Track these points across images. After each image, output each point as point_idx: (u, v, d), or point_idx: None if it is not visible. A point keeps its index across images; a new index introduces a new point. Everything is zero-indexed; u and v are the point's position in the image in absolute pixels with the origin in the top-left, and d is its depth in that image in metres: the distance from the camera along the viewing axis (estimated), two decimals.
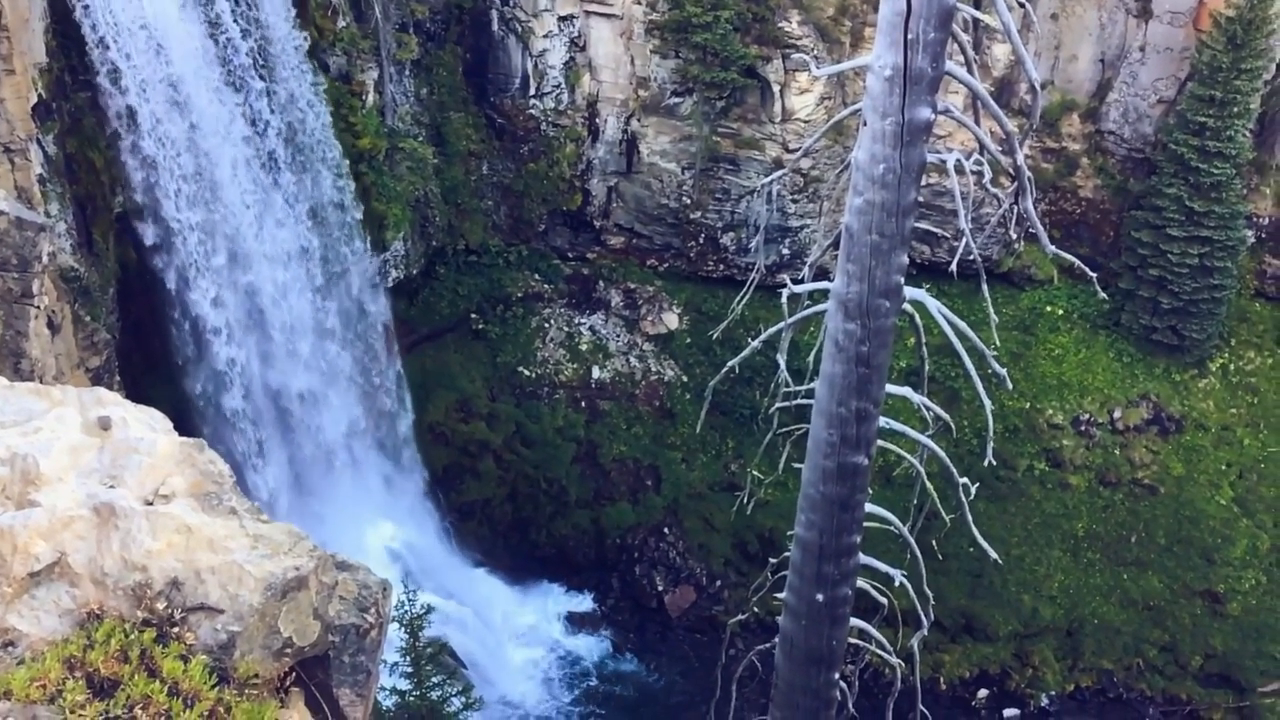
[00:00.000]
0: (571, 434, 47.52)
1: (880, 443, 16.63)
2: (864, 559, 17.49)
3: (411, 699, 32.16)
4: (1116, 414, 47.15)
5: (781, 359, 17.81)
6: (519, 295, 49.33)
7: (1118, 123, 47.01)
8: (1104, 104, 47.20)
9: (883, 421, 16.12)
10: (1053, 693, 44.16)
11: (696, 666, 42.69)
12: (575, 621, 45.46)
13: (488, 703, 38.20)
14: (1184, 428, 46.96)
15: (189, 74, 32.78)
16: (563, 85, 47.13)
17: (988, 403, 16.66)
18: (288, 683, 8.97)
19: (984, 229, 41.30)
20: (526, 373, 48.29)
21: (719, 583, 45.80)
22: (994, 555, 19.01)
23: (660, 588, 45.83)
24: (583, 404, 48.26)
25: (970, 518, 17.32)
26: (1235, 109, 42.91)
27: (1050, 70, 47.05)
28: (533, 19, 45.67)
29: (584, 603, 46.05)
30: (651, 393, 48.69)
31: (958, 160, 14.64)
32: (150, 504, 8.96)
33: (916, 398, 17.03)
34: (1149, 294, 46.20)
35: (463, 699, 33.85)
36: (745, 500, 22.77)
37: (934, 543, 29.28)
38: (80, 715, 7.66)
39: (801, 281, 16.53)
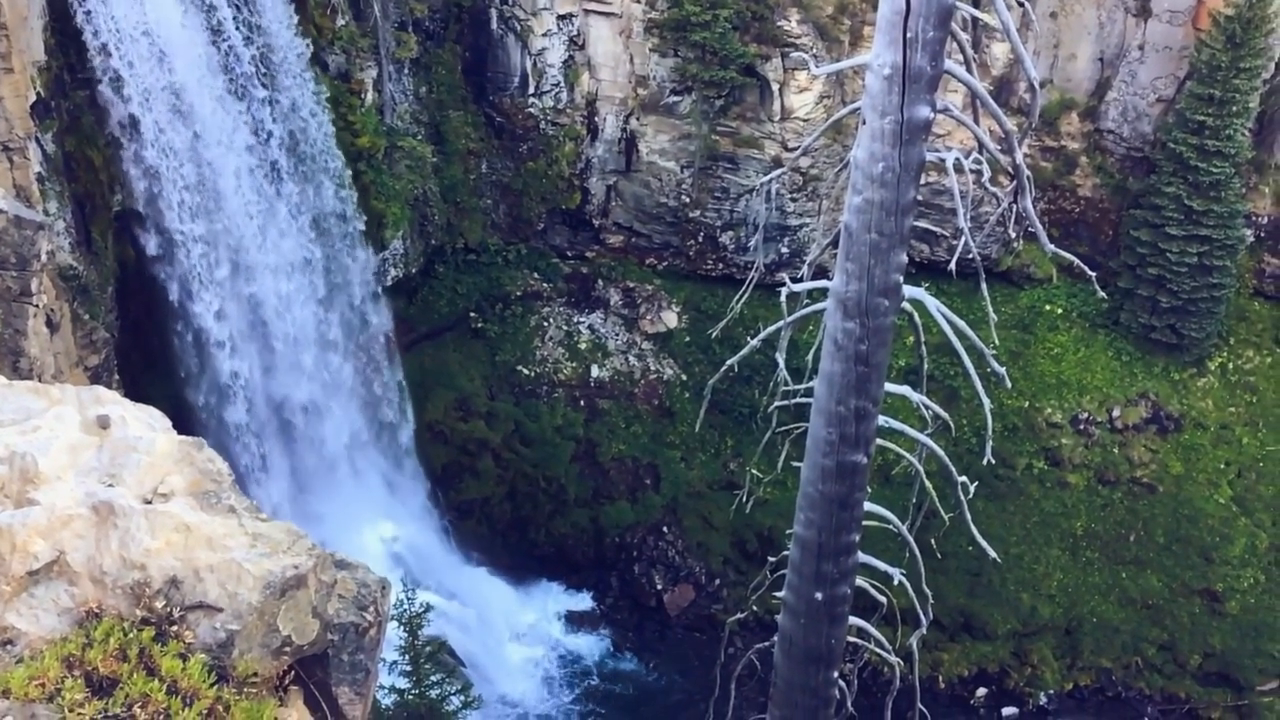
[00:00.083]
0: (570, 433, 47.52)
1: (879, 441, 16.64)
2: (863, 557, 17.49)
3: (410, 697, 32.17)
4: (1115, 413, 47.17)
5: (780, 357, 17.81)
6: (518, 294, 49.32)
7: (1117, 121, 47.02)
8: (1103, 103, 47.20)
9: (882, 420, 16.13)
10: (1051, 691, 44.18)
11: (695, 665, 42.69)
12: (574, 620, 45.47)
13: (486, 701, 38.21)
14: (1183, 427, 46.99)
15: (192, 82, 32.59)
16: (562, 84, 47.11)
17: (986, 401, 16.66)
18: (286, 681, 8.97)
19: (983, 228, 41.32)
20: (525, 371, 48.29)
21: (718, 581, 45.81)
22: (993, 554, 19.02)
23: (659, 586, 45.84)
24: (582, 403, 48.26)
25: (969, 516, 17.33)
26: (1234, 108, 42.91)
27: (1049, 69, 47.06)
28: (532, 17, 45.65)
29: (583, 601, 46.06)
30: (650, 391, 48.69)
31: (957, 159, 14.64)
32: (149, 502, 8.96)
33: (915, 396, 17.03)
34: (1148, 293, 46.21)
35: (461, 697, 33.86)
36: (744, 499, 22.78)
37: (933, 541, 29.30)
38: (79, 714, 7.66)
39: (800, 280, 16.53)
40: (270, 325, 37.91)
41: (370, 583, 9.55)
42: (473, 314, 48.62)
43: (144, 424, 9.71)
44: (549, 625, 45.13)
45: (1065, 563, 45.50)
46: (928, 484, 17.79)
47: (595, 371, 48.62)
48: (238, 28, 33.95)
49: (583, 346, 49.02)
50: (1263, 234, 47.25)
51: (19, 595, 8.29)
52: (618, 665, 44.39)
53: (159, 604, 8.45)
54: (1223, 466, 46.62)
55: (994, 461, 19.57)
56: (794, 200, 47.99)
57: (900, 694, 20.20)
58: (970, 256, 15.03)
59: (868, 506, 17.08)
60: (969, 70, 13.87)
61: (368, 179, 41.02)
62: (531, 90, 47.18)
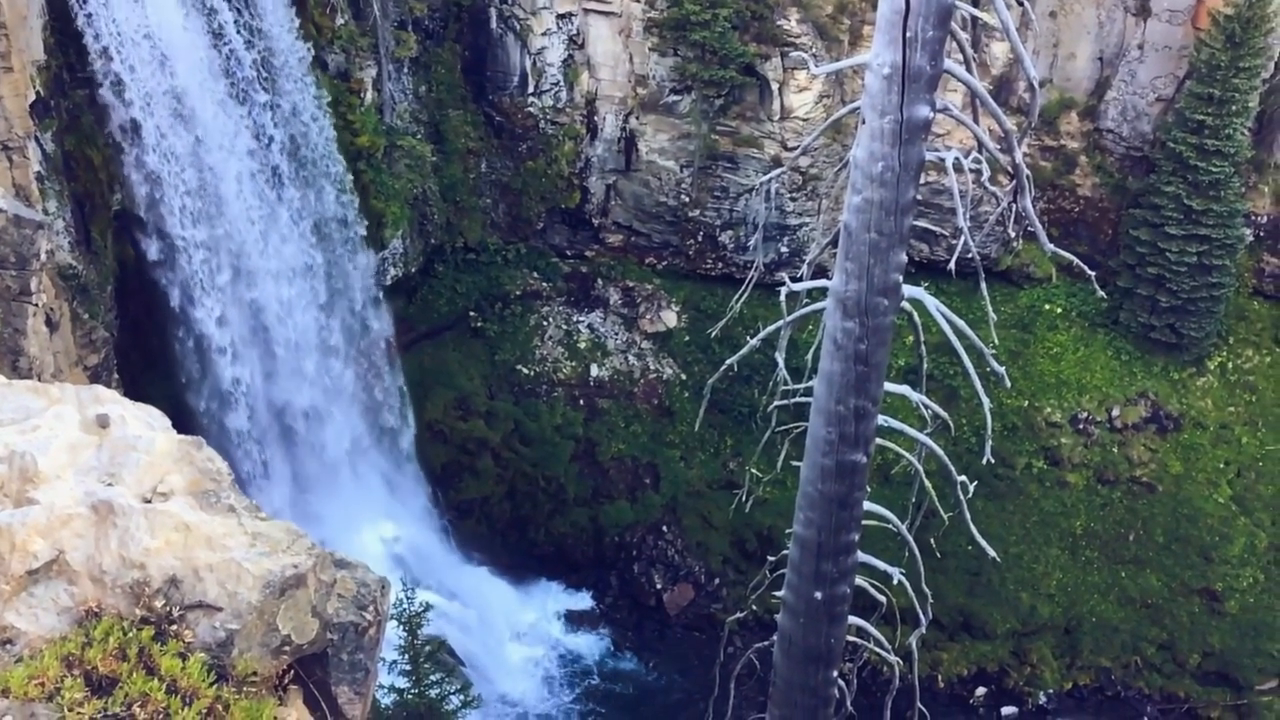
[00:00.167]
0: (570, 432, 47.52)
1: (879, 441, 16.64)
2: (862, 557, 17.49)
3: (410, 697, 32.15)
4: (1115, 412, 47.18)
5: (780, 357, 17.81)
6: (517, 293, 49.31)
7: (1116, 121, 47.02)
8: (1102, 102, 47.21)
9: (881, 419, 16.12)
10: (1051, 691, 44.20)
11: (695, 664, 42.69)
12: (574, 619, 45.47)
13: (486, 701, 38.21)
14: (1182, 426, 46.99)
15: (194, 86, 32.48)
16: (561, 83, 47.11)
17: (986, 401, 16.66)
18: (286, 680, 8.97)
19: (982, 227, 41.34)
20: (525, 371, 48.28)
21: (717, 581, 45.81)
22: (992, 553, 19.02)
23: (659, 586, 45.84)
24: (581, 402, 48.25)
25: (969, 516, 17.33)
26: (1234, 107, 42.91)
27: (1049, 68, 47.06)
28: (531, 17, 45.64)
29: (583, 601, 46.06)
30: (650, 391, 48.69)
31: (956, 158, 14.64)
32: (148, 502, 8.95)
33: (915, 396, 17.03)
34: (1147, 292, 46.22)
35: (461, 697, 33.84)
36: (744, 498, 22.79)
37: (932, 541, 29.33)
38: (78, 713, 7.66)
39: (800, 279, 16.53)
40: (272, 331, 37.86)
41: (370, 582, 9.55)
42: (472, 313, 48.61)
43: (143, 423, 9.71)
44: (549, 625, 45.12)
45: (1065, 562, 45.51)
46: (927, 483, 17.79)
47: (595, 371, 48.62)
48: (239, 31, 33.82)
49: (582, 346, 49.02)
50: (1262, 233, 47.25)
51: (18, 594, 8.29)
52: (617, 664, 44.39)
53: (158, 603, 8.45)
54: (1222, 466, 46.63)
55: (993, 461, 19.54)
56: (793, 199, 48.00)
57: (900, 693, 20.20)
58: (970, 256, 15.03)
59: (867, 506, 17.08)
60: (968, 69, 13.87)
61: (367, 178, 41.02)
62: (531, 89, 47.18)
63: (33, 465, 8.86)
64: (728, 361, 18.93)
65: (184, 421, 34.59)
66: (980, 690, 44.12)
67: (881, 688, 26.61)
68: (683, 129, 46.93)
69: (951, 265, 15.37)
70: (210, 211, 33.97)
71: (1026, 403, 47.20)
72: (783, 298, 16.27)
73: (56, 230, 30.20)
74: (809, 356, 16.61)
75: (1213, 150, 43.19)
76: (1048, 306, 48.84)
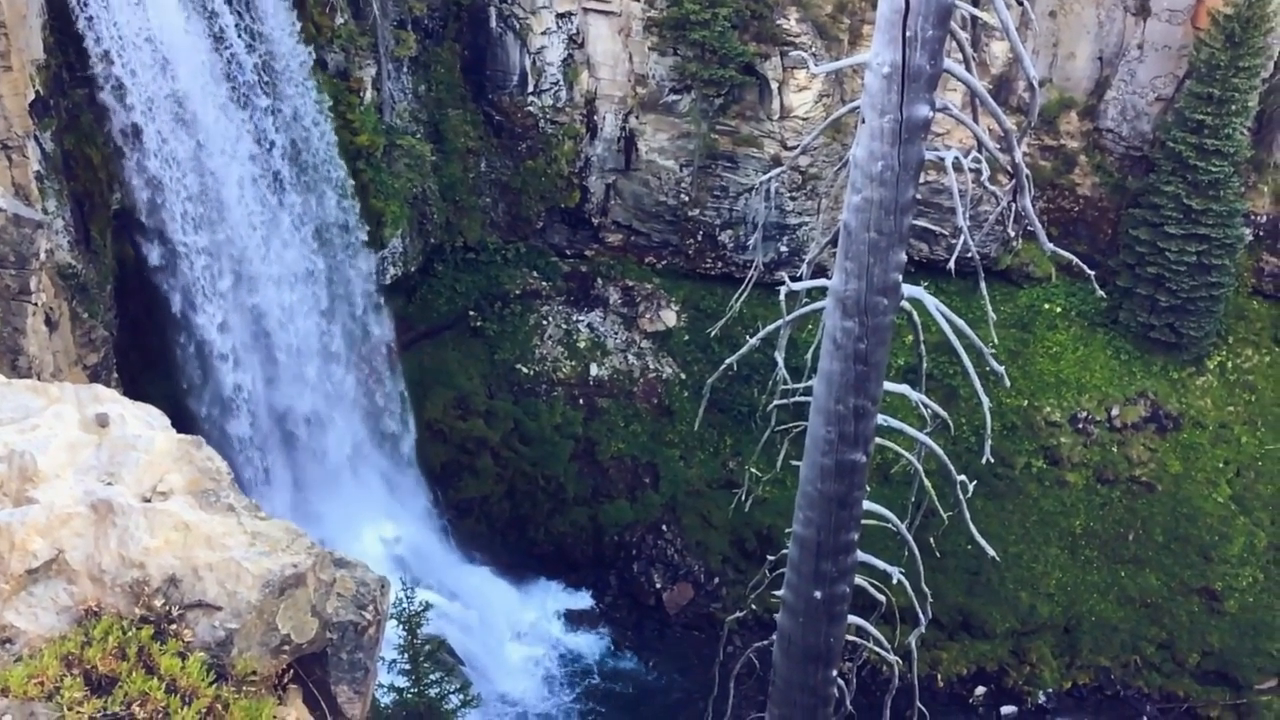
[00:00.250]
0: (569, 431, 47.51)
1: (878, 440, 16.63)
2: (862, 556, 17.49)
3: (409, 696, 32.15)
4: (1114, 412, 47.18)
5: (780, 356, 17.80)
6: (517, 293, 49.30)
7: (1116, 120, 47.02)
8: (1102, 102, 47.21)
9: (881, 419, 16.12)
10: (1050, 690, 44.21)
11: (695, 664, 42.70)
12: (573, 619, 45.47)
13: (486, 700, 38.20)
14: (1181, 425, 47.00)
15: (195, 90, 32.35)
16: (561, 82, 47.10)
17: (986, 400, 16.66)
18: (286, 680, 8.97)
19: (982, 226, 41.39)
20: (524, 370, 48.28)
21: (717, 580, 45.82)
22: (992, 553, 19.01)
23: (658, 585, 45.85)
24: (581, 401, 48.25)
25: (968, 515, 17.33)
26: (1233, 107, 42.92)
27: (1048, 68, 47.06)
28: (531, 16, 45.64)
29: (582, 600, 46.06)
30: (650, 390, 48.69)
31: (956, 158, 14.64)
32: (148, 501, 8.95)
33: (915, 395, 17.03)
34: (1147, 292, 46.22)
35: (461, 696, 33.83)
36: (743, 498, 22.78)
37: (932, 540, 29.35)
38: (78, 712, 7.66)
39: (800, 279, 16.52)
40: (273, 336, 37.79)
41: (369, 581, 9.55)
42: (472, 312, 48.61)
43: (143, 422, 9.71)
44: (548, 624, 45.12)
45: (1064, 561, 45.52)
46: (926, 483, 17.79)
47: (594, 370, 48.61)
48: (239, 35, 33.68)
49: (582, 345, 49.02)
50: (1261, 233, 47.26)
51: (18, 594, 8.28)
52: (617, 664, 44.39)
53: (158, 602, 8.44)
54: (1221, 465, 46.64)
55: (993, 460, 19.54)
56: (793, 199, 47.99)
57: (899, 692, 20.20)
58: (969, 255, 15.02)
59: (867, 505, 17.08)
60: (968, 69, 13.87)
61: (367, 177, 41.01)
62: (530, 89, 47.17)
63: (32, 464, 8.86)
64: (727, 361, 18.93)
65: (185, 427, 34.45)
66: (980, 689, 44.13)
67: (881, 687, 26.64)
68: (682, 128, 46.92)
69: (951, 264, 15.37)
70: (212, 217, 33.85)
71: (1026, 402, 47.21)
72: (782, 297, 16.27)
73: (56, 229, 30.19)
74: (808, 356, 16.61)
75: (1212, 150, 43.19)
76: (1047, 306, 48.84)
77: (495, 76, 47.13)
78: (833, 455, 15.89)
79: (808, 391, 16.43)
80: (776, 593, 18.46)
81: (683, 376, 48.87)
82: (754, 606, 24.22)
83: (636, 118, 47.46)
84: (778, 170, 20.45)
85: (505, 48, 46.55)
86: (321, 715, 9.29)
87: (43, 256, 28.18)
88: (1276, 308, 48.36)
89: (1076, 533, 45.95)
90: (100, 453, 9.21)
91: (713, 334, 31.86)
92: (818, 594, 17.28)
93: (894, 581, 17.99)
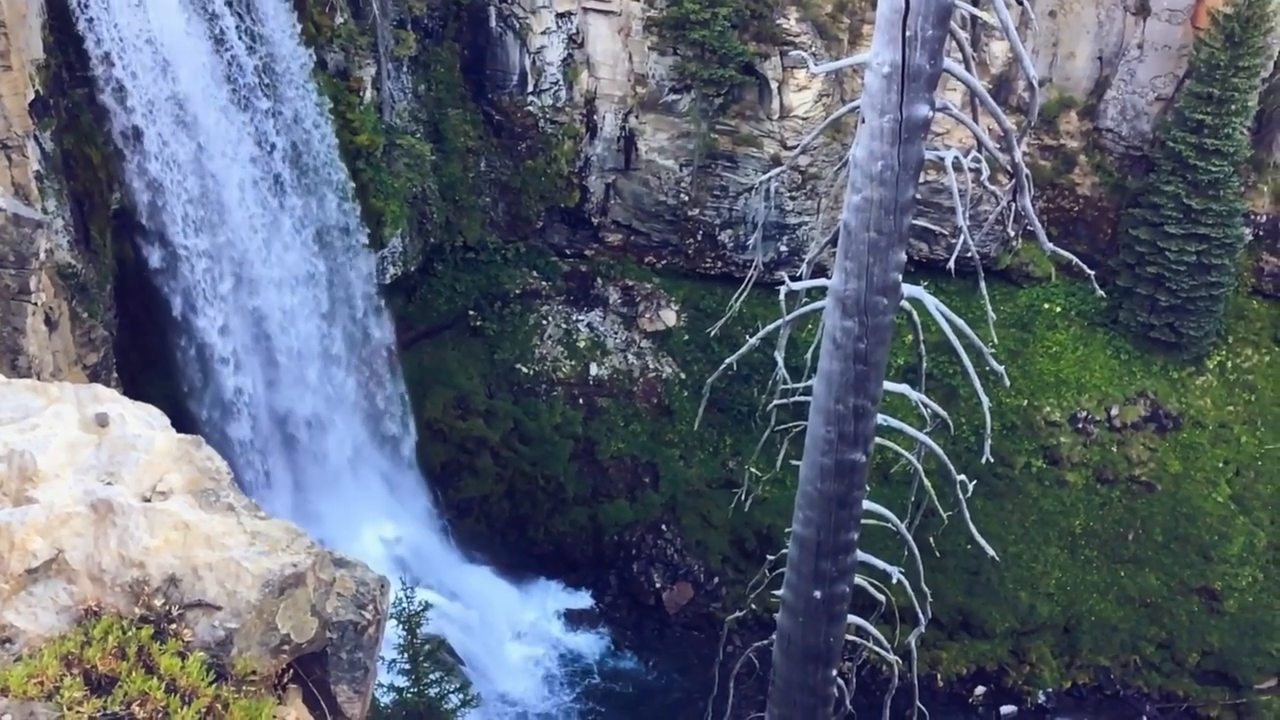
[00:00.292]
0: (569, 431, 47.51)
1: (878, 440, 16.63)
2: (862, 556, 17.49)
3: (409, 696, 32.14)
4: (1114, 411, 47.18)
5: (779, 356, 17.80)
6: (517, 292, 49.30)
7: (1115, 120, 47.02)
8: (1102, 101, 47.21)
9: (881, 419, 16.12)
10: (1050, 690, 44.21)
11: (694, 663, 42.70)
12: (573, 619, 45.47)
13: (485, 700, 38.20)
14: (1181, 425, 47.01)
15: (196, 92, 32.22)
16: (561, 82, 47.10)
17: (985, 400, 16.65)
18: (285, 679, 8.97)
19: (982, 226, 41.39)
20: (524, 370, 48.28)
21: (717, 580, 45.82)
22: (991, 552, 19.01)
23: (658, 585, 45.84)
24: (580, 401, 48.25)
25: (968, 515, 17.33)
26: (1233, 106, 42.92)
27: (1048, 67, 47.06)
28: (530, 16, 45.64)
29: (582, 600, 46.06)
30: (649, 390, 48.68)
31: (956, 157, 14.64)
32: (148, 500, 8.95)
33: (914, 395, 17.02)
34: (1147, 291, 46.22)
35: (460, 696, 33.83)
36: (743, 497, 22.77)
37: (931, 540, 29.34)
38: (78, 712, 7.65)
39: (799, 279, 16.52)
40: (274, 339, 37.73)
41: (369, 581, 9.55)
42: (471, 312, 48.60)
43: (142, 422, 9.70)
44: (548, 623, 45.12)
45: (1064, 561, 45.52)
46: (926, 482, 17.78)
47: (594, 370, 48.61)
48: (240, 37, 33.59)
49: (581, 345, 49.01)
50: (1261, 232, 47.26)
51: (18, 593, 8.28)
52: (617, 663, 44.39)
53: (158, 602, 8.44)
54: (1221, 465, 46.64)
55: (992, 460, 19.53)
56: (793, 198, 47.99)
57: (899, 692, 20.20)
58: (969, 255, 15.02)
59: (866, 505, 17.07)
60: (968, 69, 13.86)
61: (366, 177, 41.01)
62: (530, 88, 47.17)
63: (32, 464, 8.86)
64: (727, 360, 18.92)
65: (186, 429, 34.37)
66: (979, 689, 44.13)
67: (881, 687, 26.64)
68: (682, 128, 46.92)
69: (951, 264, 15.37)
70: (213, 219, 33.77)
71: (1026, 402, 47.20)
72: (782, 297, 16.27)
73: (55, 229, 30.18)
74: (808, 355, 16.61)
75: (1212, 149, 43.19)
76: (1047, 305, 48.84)
77: (495, 76, 47.13)
78: (832, 455, 15.89)
79: (807, 391, 16.43)
80: (776, 592, 18.46)
81: (682, 376, 48.87)
82: (754, 606, 24.21)
83: (636, 117, 47.45)
84: (777, 170, 20.44)
85: (505, 47, 46.55)
86: (321, 715, 9.29)
87: (42, 256, 28.18)
88: (1276, 307, 48.37)
89: (1076, 532, 45.95)
90: (100, 452, 9.20)
91: (712, 334, 31.87)
92: (817, 593, 17.28)
93: (894, 581, 17.98)
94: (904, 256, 14.43)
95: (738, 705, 22.82)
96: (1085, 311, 48.60)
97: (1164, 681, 44.22)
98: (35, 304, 27.91)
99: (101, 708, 7.72)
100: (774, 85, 45.50)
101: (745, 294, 17.83)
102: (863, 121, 13.55)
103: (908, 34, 12.56)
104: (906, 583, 17.96)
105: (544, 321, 49.26)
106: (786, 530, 18.04)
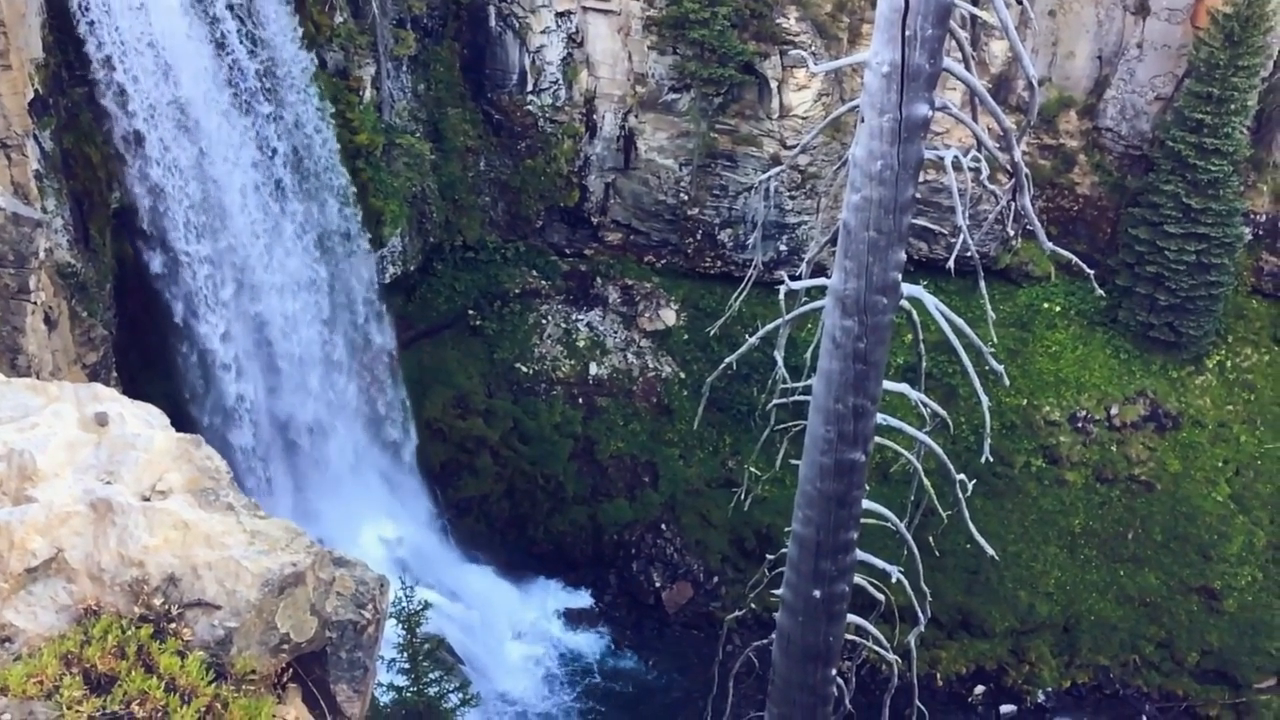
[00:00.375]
0: (569, 430, 47.51)
1: (877, 439, 16.62)
2: (861, 555, 17.49)
3: (409, 695, 32.14)
4: (1113, 411, 47.19)
5: (779, 355, 17.79)
6: (516, 291, 49.30)
7: (1115, 119, 47.02)
8: (1101, 101, 47.21)
9: (880, 418, 16.12)
10: (1049, 689, 44.22)
11: (694, 663, 42.70)
12: (573, 618, 45.47)
13: (485, 699, 38.20)
14: (1181, 424, 47.01)
15: (198, 97, 31.97)
16: (560, 81, 47.09)
17: (985, 399, 16.65)
18: (285, 678, 8.96)
19: (981, 226, 41.40)
20: (524, 369, 48.27)
21: (716, 579, 45.82)
22: (991, 552, 19.00)
23: (658, 584, 45.85)
24: (580, 400, 48.25)
25: (967, 514, 17.32)
26: (1233, 106, 42.92)
27: (1048, 67, 47.05)
28: (530, 15, 45.63)
29: (581, 599, 46.06)
30: (649, 389, 48.68)
31: (955, 157, 14.63)
32: (147, 500, 8.94)
33: (914, 394, 17.02)
34: (1146, 291, 46.22)
35: (460, 695, 33.83)
36: (743, 497, 22.77)
37: (931, 539, 29.30)
38: (77, 711, 7.65)
39: (799, 278, 16.51)
40: (275, 345, 37.61)
41: (369, 580, 9.54)
42: (471, 311, 48.60)
43: (142, 421, 9.70)
44: (548, 623, 45.13)
45: (1063, 560, 45.53)
46: (926, 482, 17.78)
47: (594, 369, 48.61)
48: (241, 41, 33.41)
49: (581, 344, 49.01)
50: (1261, 232, 47.27)
51: (17, 592, 8.28)
52: (617, 663, 44.40)
53: (157, 601, 8.44)
54: (1220, 464, 46.65)
55: (992, 459, 19.53)
56: (792, 198, 47.98)
57: (898, 691, 20.20)
58: (969, 254, 15.02)
59: (866, 504, 17.07)
60: (967, 68, 13.86)
61: (366, 176, 41.01)
62: (530, 88, 47.17)
63: (31, 463, 8.86)
64: (726, 360, 18.92)
65: (185, 424, 34.39)
66: (979, 688, 44.14)
67: (880, 686, 26.60)
68: (682, 127, 46.92)
69: (950, 263, 15.37)
70: (214, 225, 33.60)
71: (1025, 401, 47.21)
72: (781, 296, 16.26)
73: (55, 228, 30.17)
74: (808, 355, 16.60)
75: (1211, 149, 43.19)
76: (1046, 305, 48.84)
77: (494, 75, 47.11)
78: (832, 454, 15.89)
79: (807, 390, 16.43)
80: (776, 591, 18.46)
81: (682, 375, 48.87)
82: (753, 605, 24.20)
83: (636, 116, 47.45)
84: (777, 169, 20.44)
85: (504, 46, 46.54)
86: (321, 714, 9.28)
87: (42, 255, 28.18)
88: (1276, 307, 48.38)
89: (1075, 532, 45.96)
90: (99, 451, 9.20)
91: (712, 333, 31.91)
92: (817, 593, 17.28)
93: (893, 580, 17.98)
94: (903, 256, 14.43)
95: (737, 704, 22.82)
96: (1085, 311, 48.61)
97: (1163, 681, 44.23)
98: (35, 303, 27.91)
99: (101, 707, 7.71)
100: (773, 84, 45.49)
101: (745, 293, 17.82)
102: (862, 121, 13.55)
103: (907, 33, 12.55)
104: (906, 582, 17.96)
105: (543, 321, 49.26)
106: (786, 529, 18.04)
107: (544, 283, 49.91)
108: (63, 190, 30.69)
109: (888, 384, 16.21)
